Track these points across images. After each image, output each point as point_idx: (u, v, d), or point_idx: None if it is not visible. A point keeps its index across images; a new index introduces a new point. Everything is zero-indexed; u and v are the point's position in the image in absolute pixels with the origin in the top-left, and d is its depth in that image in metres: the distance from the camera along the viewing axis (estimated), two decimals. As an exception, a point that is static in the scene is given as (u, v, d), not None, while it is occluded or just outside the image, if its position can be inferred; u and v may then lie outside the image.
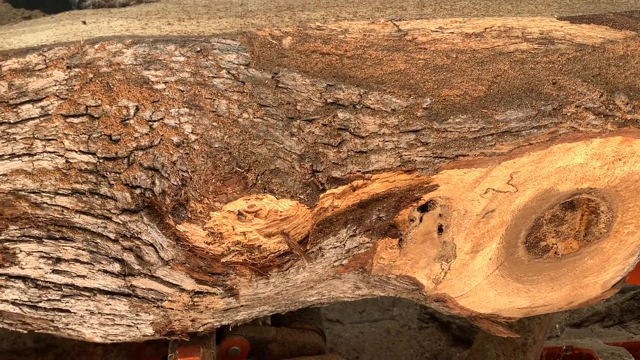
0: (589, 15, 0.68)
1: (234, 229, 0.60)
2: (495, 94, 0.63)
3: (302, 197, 0.58)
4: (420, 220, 0.67)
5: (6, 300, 0.65)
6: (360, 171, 0.61)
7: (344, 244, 0.66)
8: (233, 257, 0.61)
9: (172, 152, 0.57)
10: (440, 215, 0.68)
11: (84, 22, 0.64)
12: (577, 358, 1.53)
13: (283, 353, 0.85)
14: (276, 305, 0.76)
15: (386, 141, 0.61)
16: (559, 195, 0.69)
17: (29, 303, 0.66)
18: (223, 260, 0.61)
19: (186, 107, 0.58)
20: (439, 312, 0.82)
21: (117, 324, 0.69)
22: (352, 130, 0.61)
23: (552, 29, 0.66)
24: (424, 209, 0.67)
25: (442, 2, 0.73)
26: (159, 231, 0.60)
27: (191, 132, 0.57)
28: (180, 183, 0.57)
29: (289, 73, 0.60)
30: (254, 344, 0.85)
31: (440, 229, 0.69)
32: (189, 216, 0.58)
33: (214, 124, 0.57)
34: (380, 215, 0.65)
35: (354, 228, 0.64)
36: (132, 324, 0.70)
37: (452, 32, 0.66)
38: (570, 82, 0.63)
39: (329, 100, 0.61)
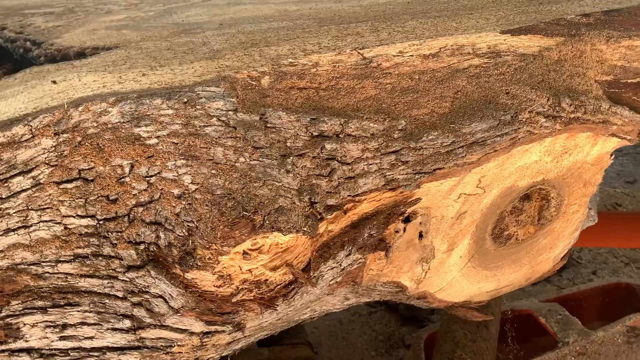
0: (525, 26, 0.75)
1: (241, 269, 0.62)
2: (458, 108, 0.69)
3: (305, 229, 0.61)
4: (404, 230, 0.73)
5: (8, 376, 0.63)
6: (350, 195, 0.65)
7: (340, 264, 0.70)
8: (243, 295, 0.64)
9: (174, 205, 0.58)
10: (420, 223, 0.73)
11: (54, 82, 0.63)
12: (519, 319, 1.67)
13: (278, 371, 0.88)
14: (273, 328, 0.79)
15: (370, 164, 0.66)
16: (518, 190, 0.77)
17: (33, 374, 0.64)
18: (234, 300, 0.63)
19: (183, 158, 0.59)
20: (420, 307, 0.89)
21: (123, 377, 0.69)
22: (339, 159, 0.65)
23: (497, 43, 0.73)
24: (407, 220, 0.72)
25: (392, 24, 0.78)
26: (168, 282, 0.61)
27: (191, 182, 0.58)
28: (186, 233, 0.58)
29: (275, 112, 0.63)
30: (249, 367, 0.87)
31: (420, 235, 0.75)
32: (198, 264, 0.59)
33: (213, 171, 0.59)
34: (372, 233, 0.69)
35: (350, 248, 0.68)
36: (138, 374, 0.70)
37: (412, 55, 0.71)
38: (521, 91, 0.71)
39: (315, 134, 0.64)
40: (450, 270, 0.82)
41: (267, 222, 0.58)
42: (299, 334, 0.95)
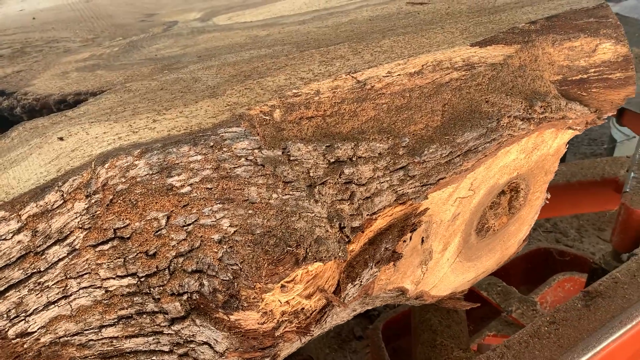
0: (487, 37, 0.82)
1: (280, 302, 0.63)
2: (449, 120, 0.75)
3: (340, 254, 0.63)
4: (410, 239, 0.77)
5: None
6: (368, 214, 0.69)
7: (362, 281, 0.73)
8: (285, 327, 0.65)
9: (216, 250, 0.58)
10: (423, 229, 0.78)
11: (61, 139, 0.59)
12: (464, 296, 1.79)
13: (288, 390, 0.89)
14: (292, 351, 0.80)
15: (382, 182, 0.69)
16: (499, 187, 0.85)
17: None
18: (277, 333, 0.64)
19: (218, 202, 0.58)
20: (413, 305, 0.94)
21: None
22: (355, 181, 0.67)
23: (470, 55, 0.79)
24: (413, 229, 0.77)
25: (369, 44, 0.81)
26: (213, 327, 0.60)
27: (230, 225, 0.58)
28: (231, 277, 0.58)
29: (294, 144, 0.64)
30: (262, 391, 0.87)
31: (422, 240, 0.80)
32: (243, 305, 0.60)
33: (250, 211, 0.59)
34: (387, 246, 0.73)
35: (371, 265, 0.72)
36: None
37: (399, 75, 0.75)
38: (498, 98, 0.78)
39: (332, 160, 0.66)
40: (442, 268, 0.88)
41: (309, 253, 0.60)
42: (301, 348, 0.97)
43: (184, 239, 0.57)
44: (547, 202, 1.03)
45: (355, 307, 0.84)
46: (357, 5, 1.01)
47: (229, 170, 0.59)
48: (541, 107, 0.79)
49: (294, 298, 0.64)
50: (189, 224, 0.57)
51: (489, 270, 1.01)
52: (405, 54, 0.78)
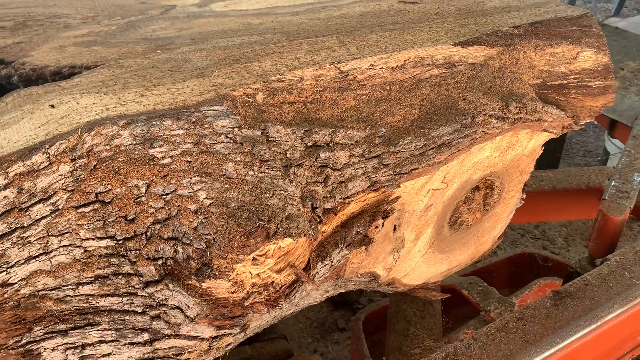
0: (470, 38, 0.86)
1: (251, 274, 0.67)
2: (425, 114, 0.78)
3: (310, 232, 0.67)
4: (382, 225, 0.81)
5: (20, 402, 0.63)
6: (342, 198, 0.72)
7: (332, 261, 0.76)
8: (254, 298, 0.68)
9: (191, 220, 0.61)
10: (395, 217, 0.82)
11: (52, 106, 0.63)
12: (445, 292, 1.83)
13: (260, 366, 0.93)
14: (263, 327, 0.84)
15: (357, 169, 0.73)
16: (472, 182, 0.88)
17: (47, 397, 0.64)
18: (247, 303, 0.67)
19: (197, 175, 0.62)
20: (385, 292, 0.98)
21: (131, 389, 0.71)
22: (331, 165, 0.71)
23: (451, 54, 0.83)
24: (385, 215, 0.80)
25: (356, 38, 0.85)
26: (185, 293, 0.64)
27: (206, 197, 0.62)
28: (204, 245, 0.62)
29: (274, 126, 0.68)
30: (235, 366, 0.91)
31: (394, 228, 0.84)
32: (215, 273, 0.63)
33: (226, 185, 0.63)
34: (359, 230, 0.76)
35: (341, 246, 0.75)
36: (144, 384, 0.72)
37: (382, 68, 0.79)
38: (475, 97, 0.81)
39: (309, 144, 0.70)
40: (414, 257, 0.92)
41: (280, 229, 0.63)
42: (274, 328, 1.00)
43: (161, 207, 0.61)
44: (523, 202, 1.07)
45: (327, 288, 0.87)
46: (350, 1, 1.04)
47: (209, 146, 0.63)
48: (516, 107, 0.82)
49: (264, 272, 0.68)
50: (168, 194, 0.61)
51: (462, 264, 1.05)
52: (389, 49, 0.81)
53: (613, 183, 1.35)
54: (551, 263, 2.00)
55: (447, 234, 0.93)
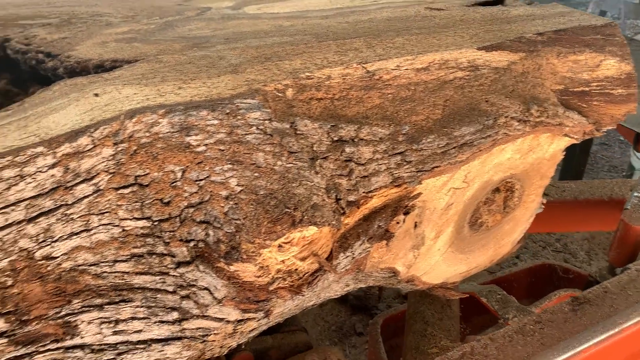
0: (495, 44, 0.88)
1: (276, 260, 0.70)
2: (448, 115, 0.81)
3: (333, 222, 0.70)
4: (404, 221, 0.83)
5: (56, 372, 0.67)
6: (365, 192, 0.75)
7: (353, 253, 0.79)
8: (278, 283, 0.71)
9: (222, 205, 0.65)
10: (417, 214, 0.84)
11: (97, 95, 0.67)
12: (463, 300, 1.84)
13: (280, 356, 0.96)
14: (285, 316, 0.87)
15: (380, 164, 0.76)
16: (493, 184, 0.90)
17: (81, 369, 0.68)
18: (271, 288, 0.71)
19: (229, 163, 0.65)
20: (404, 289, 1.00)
21: (158, 368, 0.74)
22: (355, 160, 0.74)
23: (475, 58, 0.85)
24: (406, 212, 0.83)
25: (383, 40, 0.88)
26: (214, 275, 0.67)
27: (237, 185, 0.65)
28: (234, 230, 0.65)
29: (302, 120, 0.71)
30: (256, 354, 0.94)
31: (415, 225, 0.86)
32: (243, 257, 0.66)
33: (256, 174, 0.66)
34: (380, 224, 0.79)
35: (364, 239, 0.78)
36: (170, 364, 0.76)
37: (407, 69, 0.82)
38: (497, 99, 0.84)
39: (335, 139, 0.73)
40: (434, 255, 0.94)
41: (305, 217, 0.66)
42: (295, 320, 1.03)
43: (195, 192, 0.64)
44: (543, 207, 1.08)
45: (348, 282, 0.90)
46: (378, 6, 1.08)
47: (241, 136, 0.66)
48: (538, 111, 0.85)
49: (289, 258, 0.71)
50: (201, 179, 0.64)
51: (481, 266, 1.06)
52: (415, 51, 0.84)
53: (635, 193, 1.35)
54: (572, 275, 1.99)
55: (467, 234, 0.95)
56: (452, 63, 0.84)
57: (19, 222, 0.57)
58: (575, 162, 2.80)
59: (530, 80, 0.88)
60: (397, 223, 0.83)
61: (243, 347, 0.90)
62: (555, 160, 0.97)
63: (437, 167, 0.79)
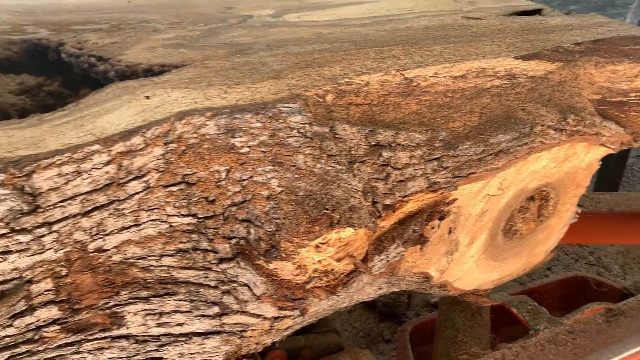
0: (532, 53, 0.89)
1: (313, 259, 0.72)
2: (485, 122, 0.82)
3: (370, 225, 0.72)
4: (438, 226, 0.85)
5: (101, 361, 0.70)
6: (401, 196, 0.77)
7: (388, 256, 0.81)
8: (315, 283, 0.73)
9: (264, 204, 0.67)
10: (451, 220, 0.86)
11: (147, 97, 0.70)
12: (493, 310, 1.83)
13: (312, 356, 0.98)
14: (319, 316, 0.89)
15: (416, 169, 0.77)
16: (528, 191, 0.91)
17: (124, 359, 0.71)
18: (308, 286, 0.73)
19: (270, 164, 0.68)
20: (437, 295, 1.01)
21: (196, 361, 0.77)
22: (392, 165, 0.76)
23: (513, 67, 0.87)
24: (441, 217, 0.84)
25: (421, 48, 0.90)
26: (254, 272, 0.70)
27: (278, 185, 0.68)
28: (274, 229, 0.68)
29: (341, 125, 0.73)
30: (289, 353, 0.96)
31: (450, 230, 0.87)
32: (282, 255, 0.69)
33: (296, 176, 0.69)
34: (415, 229, 0.81)
35: (398, 242, 0.80)
36: (208, 358, 0.78)
37: (444, 76, 0.83)
38: (534, 108, 0.84)
39: (373, 143, 0.75)
40: (467, 262, 0.95)
41: (343, 218, 0.69)
42: (327, 322, 1.05)
43: (238, 191, 0.67)
44: (578, 217, 1.08)
45: (381, 285, 0.91)
46: (415, 15, 1.10)
47: (282, 139, 0.69)
48: (574, 120, 0.85)
49: (325, 259, 0.73)
50: (244, 179, 0.67)
51: (513, 274, 1.07)
52: (452, 59, 0.86)
53: (673, 206, 1.33)
54: (605, 288, 1.96)
55: (500, 241, 0.96)
56: (489, 71, 0.85)
57: (75, 216, 0.60)
58: (610, 174, 2.76)
59: (567, 89, 0.89)
60: (432, 228, 0.84)
61: (277, 345, 0.92)
62: (591, 170, 0.97)
63: (473, 173, 0.80)
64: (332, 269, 0.75)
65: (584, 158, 0.92)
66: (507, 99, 0.84)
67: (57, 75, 0.94)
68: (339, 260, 0.74)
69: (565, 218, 1.02)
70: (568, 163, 0.91)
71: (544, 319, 1.61)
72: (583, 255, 2.63)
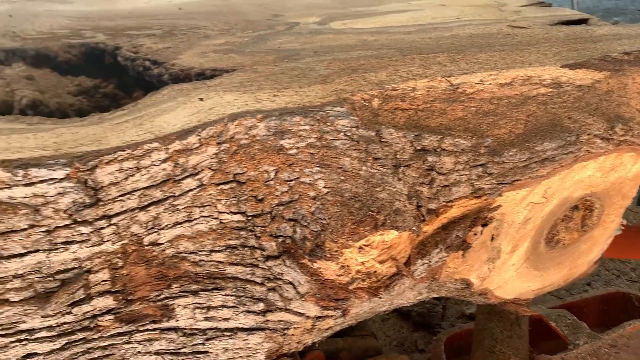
0: (579, 62, 0.89)
1: (357, 261, 0.73)
2: (531, 130, 0.82)
3: (414, 228, 0.72)
4: (481, 233, 0.85)
5: (150, 352, 0.73)
6: (445, 201, 0.77)
7: (430, 261, 0.81)
8: (358, 284, 0.75)
9: (310, 205, 0.69)
10: (494, 227, 0.86)
11: (201, 99, 0.73)
12: (531, 323, 1.80)
13: (350, 358, 0.99)
14: (359, 318, 0.90)
15: (461, 175, 0.78)
16: (572, 200, 0.90)
17: (172, 351, 0.74)
18: (350, 287, 0.74)
19: (317, 166, 0.70)
20: (477, 302, 1.00)
21: (239, 356, 0.79)
22: (437, 169, 0.77)
23: (559, 75, 0.86)
24: (484, 223, 0.84)
25: (467, 56, 0.91)
26: (298, 270, 0.71)
27: (324, 186, 0.70)
28: (319, 229, 0.69)
29: (387, 129, 0.75)
30: (328, 354, 0.97)
31: (492, 237, 0.87)
32: (326, 255, 0.70)
33: (342, 177, 0.70)
34: (458, 234, 0.81)
35: (441, 247, 0.80)
36: (251, 355, 0.80)
37: (490, 84, 0.84)
38: (581, 116, 0.84)
39: (418, 148, 0.76)
40: (509, 270, 0.94)
41: (387, 221, 0.70)
42: (366, 326, 1.06)
43: (286, 191, 0.69)
44: (623, 228, 1.06)
45: (421, 290, 0.92)
46: (460, 23, 1.10)
47: (329, 141, 0.71)
48: (622, 130, 0.84)
49: (369, 260, 0.74)
50: (292, 180, 0.69)
51: (555, 284, 1.06)
52: (498, 67, 0.86)
53: None
54: (648, 305, 1.91)
55: (542, 250, 0.95)
56: (535, 79, 0.85)
57: (133, 210, 0.63)
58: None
59: (615, 98, 0.88)
60: (475, 234, 0.85)
61: (316, 346, 0.94)
62: (638, 181, 0.95)
63: (518, 180, 0.80)
64: (375, 271, 0.76)
65: (631, 168, 0.91)
66: (553, 107, 0.84)
67: (112, 77, 0.98)
68: (381, 262, 0.75)
69: (610, 229, 1.01)
70: (614, 173, 0.90)
71: (584, 333, 1.58)
72: (625, 271, 2.56)
